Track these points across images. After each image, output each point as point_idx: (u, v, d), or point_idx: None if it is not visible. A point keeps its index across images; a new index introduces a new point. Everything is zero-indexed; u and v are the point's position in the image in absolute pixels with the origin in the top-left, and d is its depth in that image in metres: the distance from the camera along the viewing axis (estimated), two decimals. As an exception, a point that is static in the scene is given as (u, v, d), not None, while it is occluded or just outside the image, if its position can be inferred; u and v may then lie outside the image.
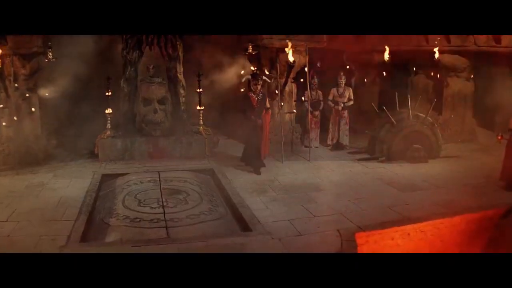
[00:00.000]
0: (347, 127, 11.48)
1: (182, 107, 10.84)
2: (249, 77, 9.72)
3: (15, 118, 9.10)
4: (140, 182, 8.72)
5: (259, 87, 9.50)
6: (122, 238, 6.39)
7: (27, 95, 9.49)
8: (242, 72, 10.87)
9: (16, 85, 9.17)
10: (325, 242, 6.12)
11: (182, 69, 10.77)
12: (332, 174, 9.31)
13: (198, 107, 10.68)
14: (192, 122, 10.95)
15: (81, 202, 7.53)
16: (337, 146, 11.39)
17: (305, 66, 10.39)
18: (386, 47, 11.33)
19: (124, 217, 7.03)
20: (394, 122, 10.04)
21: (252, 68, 10.75)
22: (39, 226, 6.55)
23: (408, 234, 6.72)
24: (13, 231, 6.34)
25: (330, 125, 11.54)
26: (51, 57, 9.17)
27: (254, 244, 6.10)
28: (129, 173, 9.17)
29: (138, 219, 6.98)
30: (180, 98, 10.79)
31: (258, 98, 9.51)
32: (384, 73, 12.49)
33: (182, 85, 10.82)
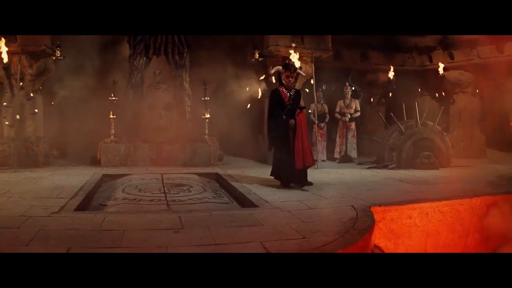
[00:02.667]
0: (355, 140, 11.00)
1: (188, 116, 10.47)
2: (280, 68, 7.31)
3: (17, 117, 8.72)
4: (142, 178, 8.22)
5: (292, 80, 7.13)
6: (119, 210, 5.89)
7: (32, 95, 9.13)
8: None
9: (21, 84, 8.83)
10: (338, 213, 5.51)
11: (188, 78, 10.50)
12: (342, 175, 8.73)
13: (203, 116, 10.31)
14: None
15: (79, 188, 7.02)
16: (345, 159, 10.86)
17: (311, 76, 10.11)
18: (391, 66, 11.17)
19: (123, 199, 6.50)
20: (403, 129, 9.63)
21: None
22: (31, 200, 5.99)
23: (427, 214, 6.15)
24: (3, 203, 5.78)
25: (338, 138, 11.07)
26: (59, 56, 8.92)
27: (261, 214, 5.52)
28: (131, 174, 8.68)
29: (137, 199, 6.46)
30: (186, 107, 10.44)
31: (290, 94, 7.08)
32: (390, 94, 12.21)
33: (188, 93, 10.49)
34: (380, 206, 5.85)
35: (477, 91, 11.06)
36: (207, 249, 4.05)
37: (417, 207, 6.04)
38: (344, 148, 10.99)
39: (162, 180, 7.96)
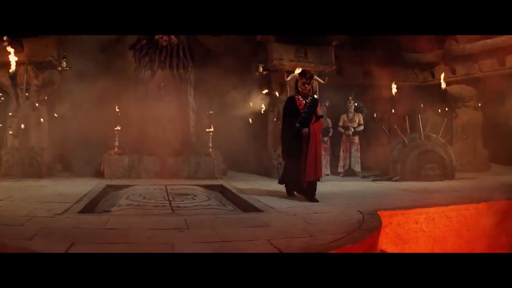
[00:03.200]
0: (359, 154, 10.91)
1: (191, 130, 10.44)
2: (296, 75, 6.99)
3: (22, 126, 8.70)
4: (146, 189, 8.14)
5: (308, 87, 6.81)
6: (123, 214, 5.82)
7: (37, 104, 9.13)
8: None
9: (27, 94, 8.84)
10: (345, 216, 5.43)
11: (192, 92, 10.51)
12: (346, 187, 8.63)
13: (207, 129, 10.27)
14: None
15: (83, 195, 6.95)
16: (349, 173, 10.77)
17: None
18: (394, 82, 11.20)
19: (127, 205, 6.43)
20: (406, 141, 9.59)
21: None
22: (34, 203, 5.91)
23: (433, 219, 6.06)
24: (5, 205, 5.73)
25: (341, 152, 10.98)
26: (65, 66, 8.95)
27: (267, 217, 5.44)
28: (135, 185, 8.61)
29: (142, 205, 6.38)
30: (190, 121, 10.42)
31: (306, 102, 6.77)
32: (393, 110, 12.19)
33: (192, 107, 10.47)
34: (386, 210, 5.78)
35: (479, 104, 11.03)
36: (213, 246, 3.97)
37: (423, 211, 5.96)
38: (347, 162, 10.91)
39: (166, 190, 7.87)
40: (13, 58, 7.89)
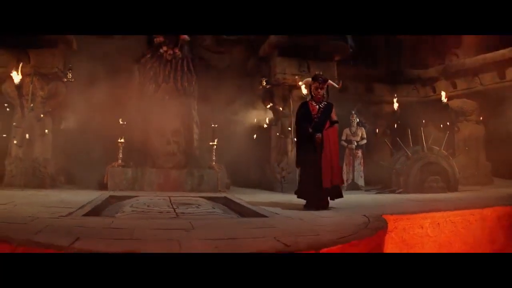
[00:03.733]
0: (362, 168, 10.88)
1: (195, 143, 10.44)
2: (309, 79, 6.83)
3: (27, 136, 8.72)
4: (150, 199, 8.10)
5: (321, 92, 6.56)
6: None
7: (42, 115, 9.16)
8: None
9: (32, 105, 8.87)
10: (350, 219, 5.38)
11: (196, 106, 10.56)
12: (350, 198, 8.56)
13: (211, 143, 10.27)
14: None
15: (86, 202, 6.91)
16: (352, 187, 10.71)
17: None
18: (395, 97, 11.27)
19: (131, 211, 6.39)
20: (409, 154, 9.58)
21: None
22: (38, 207, 5.88)
23: (438, 224, 6.00)
24: (9, 208, 5.69)
25: (344, 166, 10.91)
26: (70, 78, 9.02)
27: (272, 220, 5.40)
28: (138, 196, 8.57)
29: (146, 211, 6.35)
30: (194, 134, 10.43)
31: (320, 107, 6.53)
32: (395, 125, 12.21)
33: (196, 121, 10.50)
34: (391, 215, 5.72)
35: (481, 118, 11.04)
36: (219, 242, 3.92)
37: (428, 216, 5.90)
38: (351, 176, 10.87)
39: (170, 200, 7.83)
40: (18, 69, 7.93)
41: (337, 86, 7.20)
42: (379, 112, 12.32)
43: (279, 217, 5.65)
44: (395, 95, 11.43)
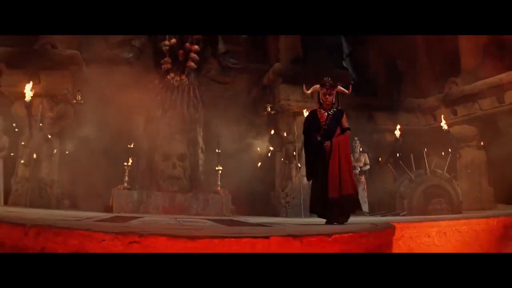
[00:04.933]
0: (365, 194, 10.90)
1: (200, 168, 10.54)
2: (317, 86, 6.30)
3: (34, 156, 8.84)
4: (155, 219, 8.14)
5: (330, 98, 6.10)
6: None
7: (50, 136, 9.31)
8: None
9: (41, 125, 9.04)
10: (359, 226, 5.42)
11: (202, 132, 10.72)
12: (356, 219, 8.63)
13: (216, 168, 10.37)
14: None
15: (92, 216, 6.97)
16: (356, 212, 10.72)
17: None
18: (397, 126, 11.43)
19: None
20: (413, 177, 9.67)
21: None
22: (46, 216, 5.96)
23: (445, 233, 6.01)
24: (17, 215, 5.78)
25: (347, 192, 10.99)
26: (79, 100, 9.23)
27: (280, 225, 5.47)
28: (144, 216, 8.60)
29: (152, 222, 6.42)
30: (199, 160, 10.55)
31: (329, 114, 6.11)
32: (398, 154, 12.32)
33: (201, 147, 10.64)
34: (398, 222, 5.77)
35: (482, 143, 11.15)
36: (230, 230, 3.99)
37: (435, 225, 5.92)
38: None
39: (176, 219, 7.90)
40: (28, 87, 8.14)
41: (347, 91, 6.56)
42: (381, 140, 12.45)
43: (289, 224, 5.72)
44: (397, 124, 11.58)
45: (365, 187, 10.96)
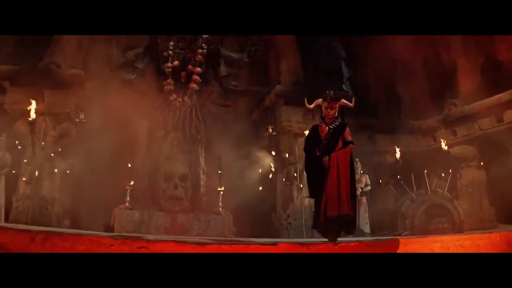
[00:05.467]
0: (367, 215, 10.87)
1: (202, 189, 10.57)
2: (320, 100, 5.99)
3: (36, 174, 8.88)
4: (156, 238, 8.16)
5: (332, 112, 5.83)
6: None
7: (52, 154, 9.37)
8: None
9: (43, 143, 9.10)
10: (364, 238, 5.47)
11: (203, 153, 10.79)
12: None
13: (218, 188, 10.39)
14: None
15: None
16: (358, 233, 10.69)
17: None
18: (397, 148, 11.53)
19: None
20: (414, 197, 9.72)
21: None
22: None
23: (448, 248, 6.03)
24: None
25: (349, 213, 10.97)
26: (82, 118, 9.33)
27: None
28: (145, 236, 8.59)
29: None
30: (200, 181, 10.59)
31: (330, 128, 5.85)
32: (398, 176, 12.37)
33: (203, 168, 10.69)
34: (401, 237, 5.81)
35: (482, 163, 11.21)
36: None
37: (438, 240, 5.93)
38: (356, 223, 10.86)
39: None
40: (33, 106, 8.25)
41: (350, 104, 6.23)
42: (382, 162, 12.50)
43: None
44: (397, 146, 11.67)
45: (367, 208, 10.94)
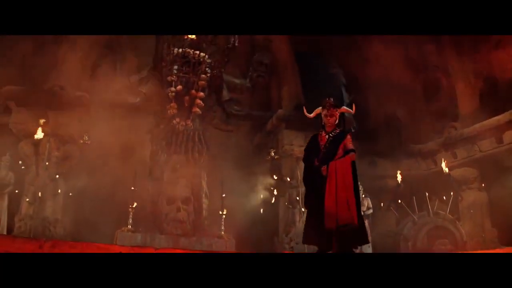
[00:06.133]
0: (369, 238, 10.90)
1: (204, 213, 10.58)
2: (319, 108, 5.67)
3: (39, 194, 8.95)
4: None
5: (332, 120, 5.54)
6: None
7: (57, 176, 9.44)
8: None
9: (47, 164, 9.21)
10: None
11: (206, 178, 10.85)
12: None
13: (220, 212, 10.41)
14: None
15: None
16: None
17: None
18: (398, 171, 11.61)
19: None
20: (416, 219, 9.74)
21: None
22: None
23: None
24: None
25: (351, 236, 10.96)
26: (86, 140, 9.45)
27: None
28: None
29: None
30: (203, 204, 10.61)
31: (329, 136, 5.54)
32: (399, 200, 12.40)
33: (205, 192, 10.72)
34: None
35: (483, 185, 11.26)
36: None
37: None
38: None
39: (181, 258, 7.90)
40: (40, 131, 8.39)
41: (351, 111, 5.88)
42: (383, 186, 12.55)
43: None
44: (398, 169, 11.75)
45: (369, 231, 10.93)
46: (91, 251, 3.79)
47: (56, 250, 3.74)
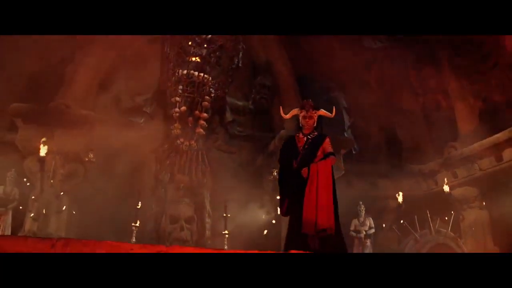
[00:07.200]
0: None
1: (207, 233, 10.66)
2: (296, 110, 5.54)
3: (44, 211, 9.02)
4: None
5: (311, 122, 5.40)
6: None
7: (62, 193, 9.54)
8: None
9: (52, 181, 9.33)
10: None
11: (209, 197, 10.96)
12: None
13: (223, 232, 10.47)
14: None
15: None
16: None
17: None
18: (400, 192, 11.70)
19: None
20: (418, 237, 9.79)
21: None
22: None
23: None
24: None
25: (353, 255, 10.99)
26: (91, 158, 9.59)
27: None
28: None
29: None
30: (205, 224, 10.70)
31: (308, 138, 5.36)
32: (402, 220, 12.45)
33: (208, 212, 10.83)
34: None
35: (484, 203, 11.32)
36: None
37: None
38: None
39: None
40: (44, 148, 8.55)
41: (330, 115, 5.64)
42: (385, 207, 12.62)
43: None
44: (399, 190, 11.83)
45: (371, 250, 10.99)
46: (103, 248, 3.88)
47: (68, 249, 3.84)
